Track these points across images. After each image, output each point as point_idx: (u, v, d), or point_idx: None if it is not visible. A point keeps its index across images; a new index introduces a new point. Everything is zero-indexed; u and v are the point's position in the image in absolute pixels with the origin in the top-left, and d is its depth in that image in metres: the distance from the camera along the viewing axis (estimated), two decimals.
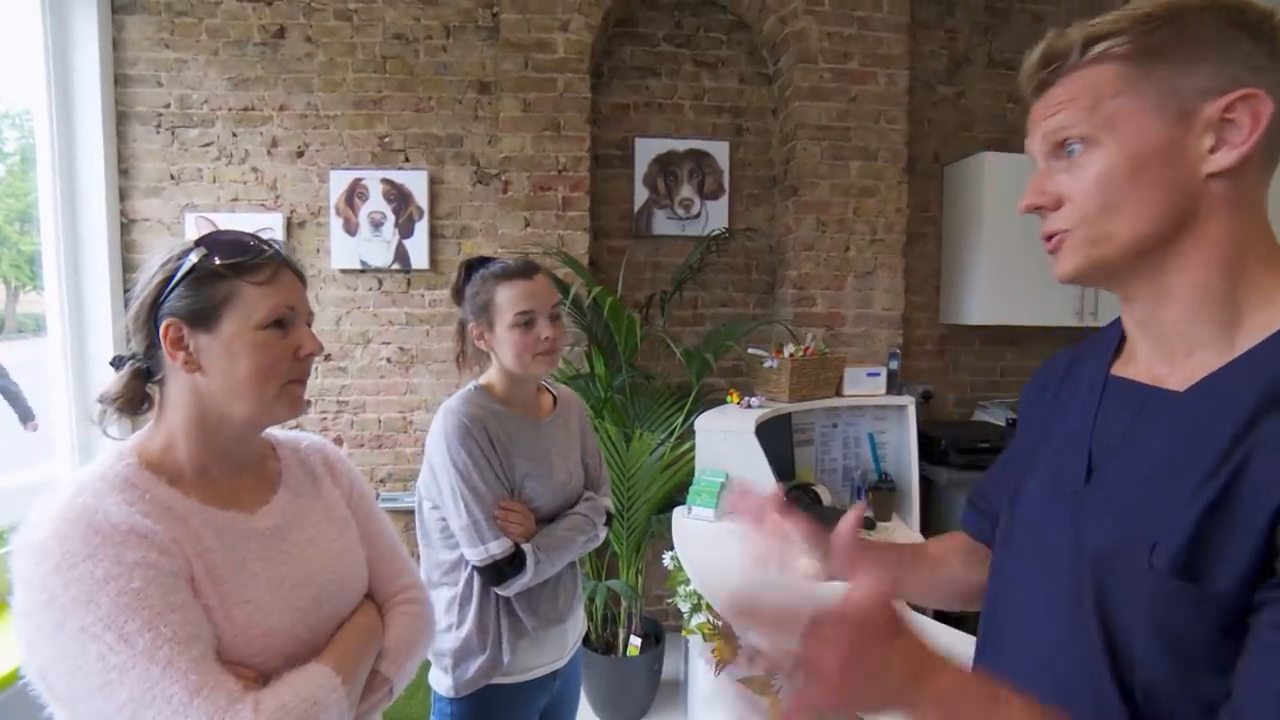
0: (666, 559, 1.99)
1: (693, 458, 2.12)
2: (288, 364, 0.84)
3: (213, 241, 0.82)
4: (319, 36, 2.76)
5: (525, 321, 1.28)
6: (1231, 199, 0.52)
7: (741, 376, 2.91)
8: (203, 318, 0.80)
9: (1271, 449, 0.45)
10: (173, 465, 0.82)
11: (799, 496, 2.41)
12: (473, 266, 1.35)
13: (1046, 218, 0.58)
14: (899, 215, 2.77)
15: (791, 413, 2.47)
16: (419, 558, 1.36)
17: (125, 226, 2.75)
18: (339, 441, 2.89)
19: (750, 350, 2.56)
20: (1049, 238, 0.58)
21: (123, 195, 2.76)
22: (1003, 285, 2.75)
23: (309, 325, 0.89)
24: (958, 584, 0.80)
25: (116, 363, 0.86)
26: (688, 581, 1.73)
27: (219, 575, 0.77)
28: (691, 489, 1.98)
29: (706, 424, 2.09)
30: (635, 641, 2.39)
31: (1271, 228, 0.53)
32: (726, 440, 2.05)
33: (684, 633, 1.70)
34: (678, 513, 1.97)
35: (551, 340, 1.29)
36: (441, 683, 1.31)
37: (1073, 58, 0.54)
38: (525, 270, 1.31)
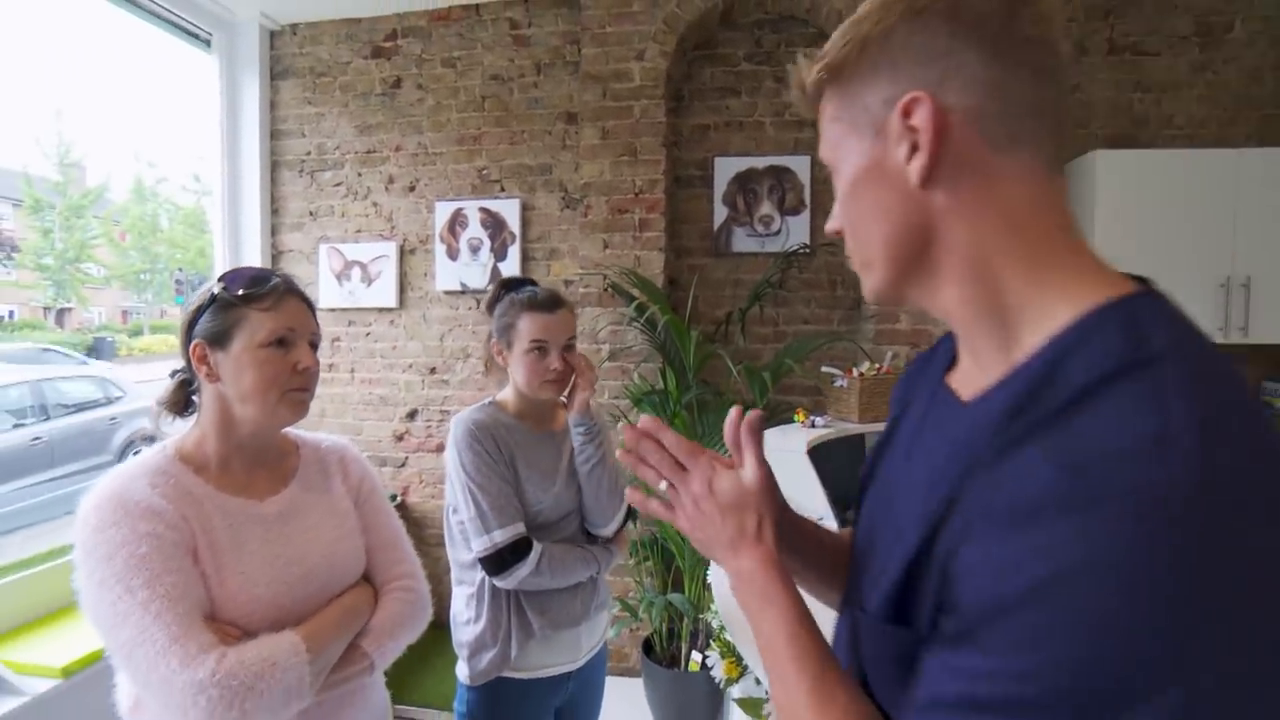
0: (711, 574, 1.99)
1: None
2: (287, 376, 0.99)
3: (231, 276, 1.00)
4: (428, 83, 3.09)
5: (538, 349, 1.38)
6: (959, 201, 0.47)
7: (822, 395, 2.83)
8: (219, 338, 0.97)
9: (981, 475, 0.42)
10: (201, 457, 1.00)
11: None
12: (507, 287, 1.46)
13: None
14: None
15: (865, 434, 2.37)
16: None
17: (275, 257, 3.23)
18: (440, 448, 3.17)
19: (824, 369, 2.49)
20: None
21: (274, 230, 3.24)
22: None
23: (313, 344, 1.04)
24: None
25: (171, 374, 1.06)
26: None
27: (219, 549, 0.93)
28: None
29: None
30: (696, 657, 2.39)
31: (1042, 224, 0.47)
32: (777, 459, 2.01)
33: (714, 645, 1.70)
34: None
35: (559, 371, 1.39)
36: (462, 670, 1.42)
37: (809, 92, 0.54)
38: (549, 304, 1.40)
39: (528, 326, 1.38)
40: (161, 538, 0.88)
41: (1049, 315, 0.45)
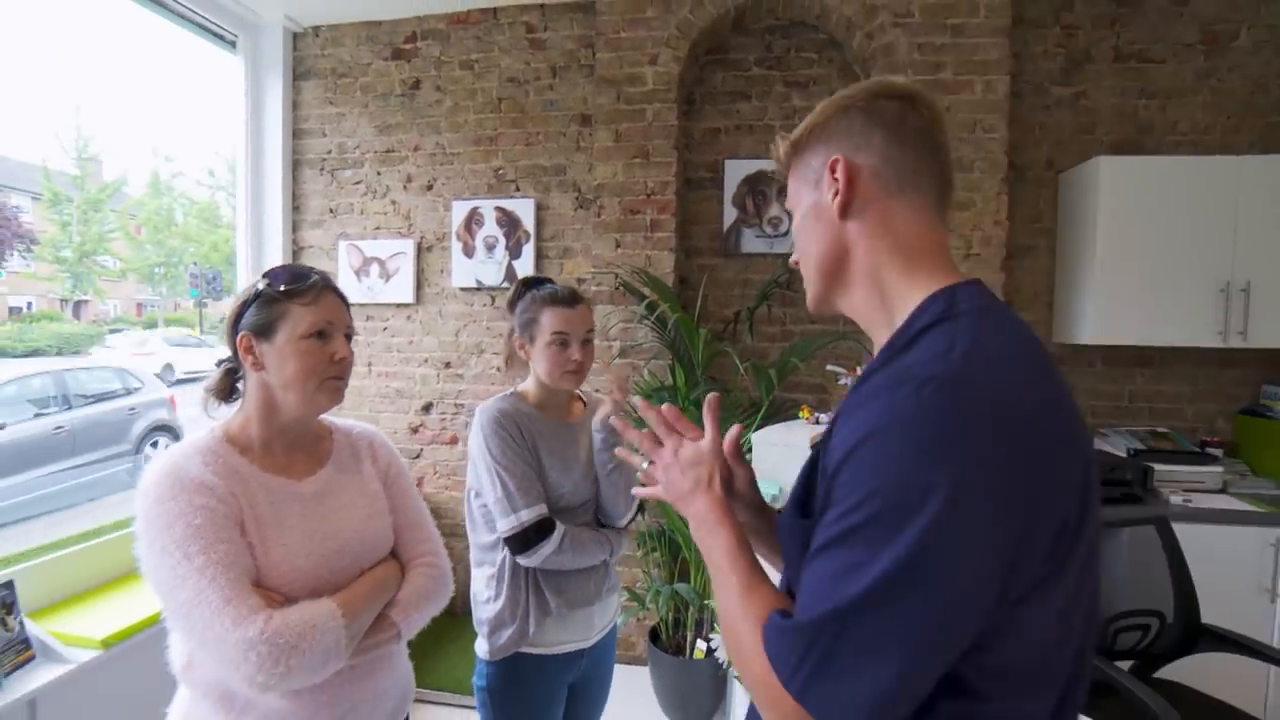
0: None
1: None
2: (325, 365, 1.07)
3: (275, 273, 1.09)
4: (446, 85, 3.18)
5: (560, 342, 1.47)
6: (864, 230, 0.70)
7: (826, 393, 2.90)
8: (264, 330, 1.05)
9: (837, 428, 0.61)
10: (245, 439, 1.08)
11: None
12: (528, 285, 1.56)
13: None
14: (998, 228, 2.63)
15: None
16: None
17: (296, 253, 3.32)
18: (454, 440, 3.25)
19: (829, 367, 2.55)
20: None
21: (295, 227, 3.34)
22: (1126, 301, 2.50)
23: (348, 337, 1.12)
24: None
25: (218, 364, 1.15)
26: None
27: (264, 523, 1.01)
28: None
29: (765, 437, 2.14)
30: (701, 645, 2.46)
31: (919, 245, 0.69)
32: (783, 454, 2.09)
33: (716, 629, 1.77)
34: None
35: (579, 362, 1.48)
36: (481, 646, 1.50)
37: (785, 163, 0.78)
38: (569, 299, 1.50)
39: (550, 320, 1.47)
40: (214, 510, 0.96)
41: (913, 301, 0.67)
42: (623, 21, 2.83)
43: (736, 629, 0.64)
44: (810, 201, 0.73)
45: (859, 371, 2.42)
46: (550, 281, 1.56)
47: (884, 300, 0.69)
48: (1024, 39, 2.80)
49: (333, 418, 1.25)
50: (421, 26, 3.19)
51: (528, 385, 1.56)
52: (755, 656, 0.60)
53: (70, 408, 6.25)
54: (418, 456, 3.31)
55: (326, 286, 1.10)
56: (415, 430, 3.31)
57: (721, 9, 2.76)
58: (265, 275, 1.09)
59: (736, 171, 3.00)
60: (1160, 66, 2.78)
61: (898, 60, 2.63)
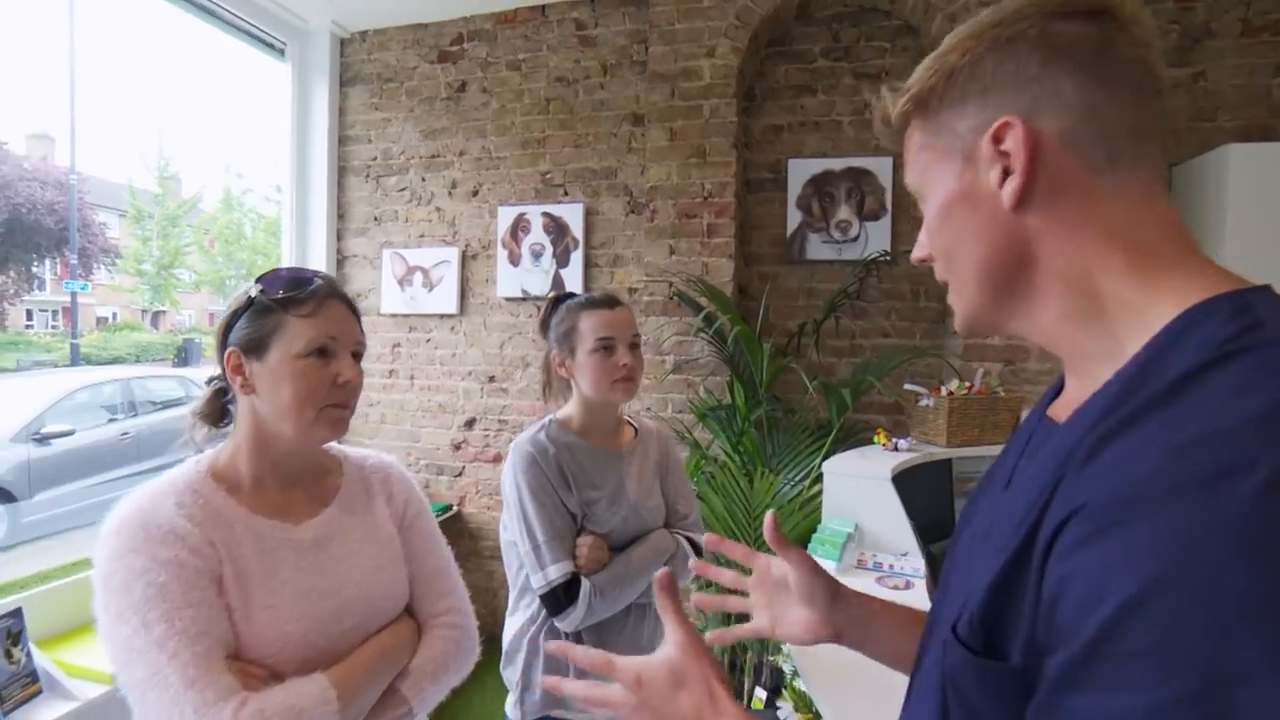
0: None
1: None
2: (325, 390, 0.89)
3: (270, 278, 0.92)
4: (493, 87, 3.05)
5: (605, 347, 1.29)
6: (1056, 224, 0.47)
7: (903, 415, 2.61)
8: (255, 347, 0.88)
9: (1071, 476, 0.39)
10: (234, 475, 0.91)
11: None
12: (559, 301, 1.39)
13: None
14: None
15: (952, 459, 2.15)
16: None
17: (340, 261, 3.25)
18: (497, 459, 3.10)
19: (906, 386, 2.28)
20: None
21: (339, 236, 3.26)
22: None
23: (356, 356, 0.95)
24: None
25: (208, 381, 0.99)
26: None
27: (248, 578, 0.84)
28: (814, 538, 1.79)
29: (837, 467, 1.89)
30: (760, 694, 2.21)
31: (1148, 234, 0.45)
32: (858, 486, 1.83)
33: (786, 695, 1.53)
34: None
35: (629, 368, 1.30)
36: (512, 708, 1.31)
37: (893, 123, 0.55)
38: (608, 301, 1.34)
39: (591, 324, 1.30)
40: (184, 565, 0.79)
41: (1156, 316, 0.43)
42: (677, 12, 2.64)
43: None
44: (955, 183, 0.50)
45: (942, 391, 2.15)
46: (582, 294, 1.40)
47: (1103, 319, 0.46)
48: None
49: (346, 447, 1.08)
50: (468, 27, 3.08)
51: (570, 409, 1.37)
52: None
53: (136, 414, 6.44)
54: (460, 474, 3.17)
55: (331, 294, 0.93)
56: (458, 447, 3.16)
57: None
58: (259, 280, 0.92)
59: (801, 172, 2.76)
60: None
61: None
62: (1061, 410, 0.52)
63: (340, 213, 3.25)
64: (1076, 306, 0.47)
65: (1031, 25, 0.47)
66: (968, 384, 2.13)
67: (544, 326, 1.40)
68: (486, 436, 3.13)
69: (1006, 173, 0.47)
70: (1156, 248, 0.45)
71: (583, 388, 1.32)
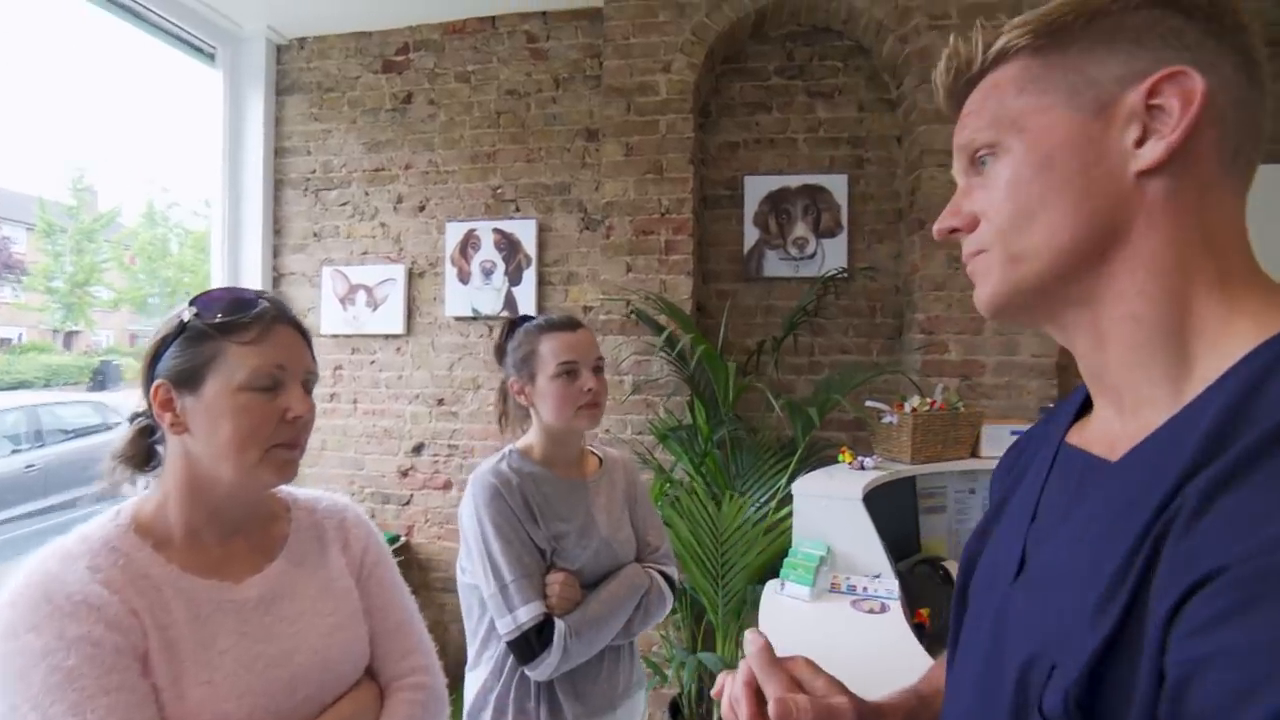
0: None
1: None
2: (272, 427, 0.78)
3: (206, 300, 0.80)
4: (441, 99, 2.94)
5: (568, 372, 1.21)
6: (1171, 205, 0.42)
7: (864, 432, 2.61)
8: (188, 379, 0.77)
9: (1180, 532, 0.34)
10: (163, 528, 0.79)
11: (927, 574, 2.07)
12: (515, 324, 1.31)
13: (965, 240, 0.51)
14: None
15: (916, 476, 2.15)
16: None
17: (276, 280, 3.05)
18: (447, 485, 2.95)
19: (868, 403, 2.27)
20: (970, 262, 0.51)
21: (276, 252, 3.07)
22: None
23: (309, 386, 0.84)
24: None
25: (130, 418, 0.86)
26: None
27: (178, 652, 0.72)
28: (786, 562, 1.74)
29: (806, 488, 1.85)
30: None
31: (1234, 247, 0.43)
32: (828, 507, 1.79)
33: None
34: (769, 588, 1.73)
35: (594, 393, 1.22)
36: None
37: (977, 63, 0.50)
38: (569, 323, 1.26)
39: (552, 348, 1.22)
40: (99, 643, 0.67)
41: (1233, 339, 0.40)
42: (632, 27, 2.60)
43: None
44: (1074, 132, 0.44)
45: (906, 408, 2.15)
46: (540, 316, 1.33)
47: (1177, 328, 0.42)
48: None
49: (292, 488, 0.96)
50: (414, 37, 2.97)
51: (530, 438, 1.29)
52: None
53: (44, 444, 5.93)
54: (408, 502, 3.00)
55: (279, 318, 0.82)
56: (405, 474, 3.00)
57: (741, 12, 2.53)
58: (193, 302, 0.81)
59: (757, 188, 2.75)
60: None
61: (935, 65, 2.39)
62: (1097, 441, 0.48)
63: (276, 228, 3.06)
64: (1157, 308, 0.43)
65: None
66: (930, 400, 2.14)
67: (499, 352, 1.32)
68: (436, 462, 2.98)
69: (1146, 133, 0.42)
70: (1237, 259, 0.43)
71: (544, 415, 1.24)
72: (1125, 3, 0.44)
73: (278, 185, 3.07)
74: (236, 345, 0.77)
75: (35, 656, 0.64)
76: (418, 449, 2.99)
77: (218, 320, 0.78)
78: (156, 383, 0.77)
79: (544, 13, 2.86)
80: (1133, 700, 0.34)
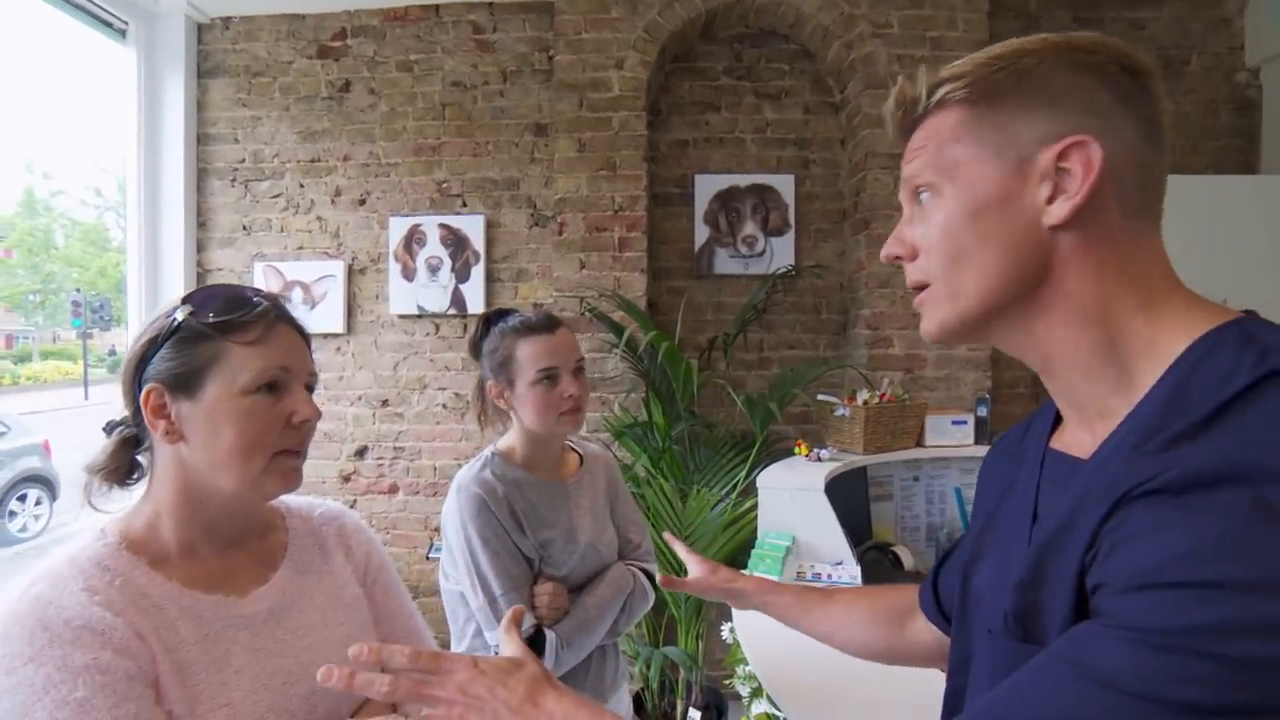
0: (725, 631, 1.80)
1: (757, 514, 1.94)
2: (277, 433, 0.74)
3: (202, 298, 0.75)
4: (381, 88, 2.83)
5: (548, 378, 1.18)
6: (1083, 250, 0.49)
7: (812, 424, 2.70)
8: (185, 383, 0.71)
9: (1099, 495, 0.42)
10: (157, 544, 0.73)
11: (877, 559, 2.18)
12: (491, 320, 1.27)
13: (908, 268, 0.56)
14: None
15: (867, 465, 2.25)
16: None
17: (201, 276, 2.86)
18: (393, 489, 2.85)
19: (820, 397, 2.36)
20: (917, 290, 0.56)
21: (200, 247, 2.87)
22: None
23: (310, 388, 0.80)
24: (858, 635, 0.84)
25: (108, 428, 0.79)
26: (746, 661, 1.53)
27: (192, 675, 0.67)
28: (754, 553, 1.79)
29: (770, 480, 1.91)
30: (694, 715, 2.18)
31: (1154, 275, 0.50)
32: (793, 499, 1.85)
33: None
34: None
35: (576, 398, 1.20)
36: None
37: (921, 105, 0.53)
38: (547, 324, 1.22)
39: (530, 353, 1.18)
40: (108, 671, 0.61)
41: (1166, 350, 0.46)
42: (585, 22, 2.59)
43: None
44: (995, 186, 0.49)
45: (858, 401, 2.24)
46: (516, 312, 1.27)
47: (1115, 350, 0.49)
48: None
49: (288, 497, 0.91)
50: (352, 22, 2.84)
51: (511, 441, 1.26)
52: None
53: None
54: (351, 508, 2.87)
55: (280, 317, 0.77)
56: (347, 479, 2.88)
57: (693, 12, 2.56)
58: (187, 300, 0.75)
59: (707, 187, 2.80)
60: None
61: (878, 72, 2.51)
62: (1073, 444, 0.54)
63: (201, 220, 2.86)
64: (1093, 334, 0.49)
65: (1110, 61, 0.48)
66: (880, 393, 2.24)
67: (474, 349, 1.28)
68: (380, 466, 2.87)
69: (1056, 191, 0.48)
70: (1159, 285, 0.49)
71: (525, 421, 1.21)
72: (1053, 64, 0.48)
73: (201, 174, 2.86)
74: (238, 346, 0.72)
75: (37, 691, 0.58)
76: (360, 452, 2.88)
77: (216, 319, 0.73)
78: (147, 387, 0.71)
79: (490, 3, 2.80)
80: (1054, 622, 0.44)
